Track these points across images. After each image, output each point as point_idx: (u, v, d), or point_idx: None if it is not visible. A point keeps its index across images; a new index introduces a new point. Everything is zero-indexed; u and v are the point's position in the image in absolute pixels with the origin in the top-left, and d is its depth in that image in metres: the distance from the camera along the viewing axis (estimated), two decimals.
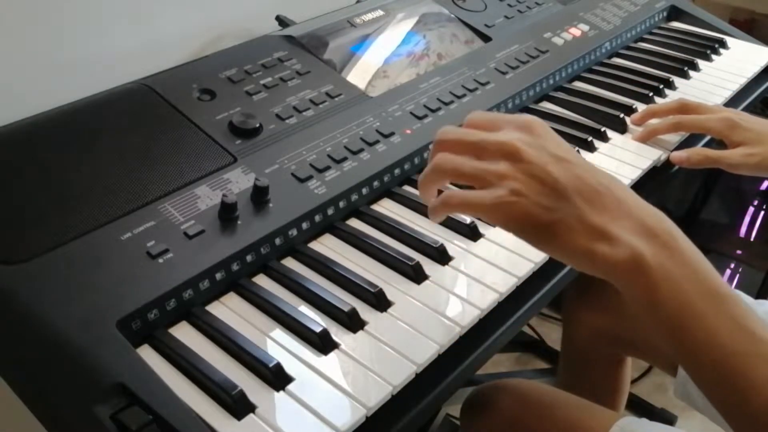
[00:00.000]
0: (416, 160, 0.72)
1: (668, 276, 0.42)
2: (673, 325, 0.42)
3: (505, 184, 0.45)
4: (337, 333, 0.53)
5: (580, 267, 0.45)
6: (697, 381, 0.44)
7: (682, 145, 0.84)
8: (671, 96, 0.91)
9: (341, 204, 0.65)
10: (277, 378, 0.49)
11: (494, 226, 0.48)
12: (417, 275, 0.59)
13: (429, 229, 0.65)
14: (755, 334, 0.42)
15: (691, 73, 0.99)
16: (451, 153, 0.48)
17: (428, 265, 0.60)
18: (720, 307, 0.42)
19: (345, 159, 0.67)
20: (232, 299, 0.57)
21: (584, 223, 0.43)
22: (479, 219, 0.49)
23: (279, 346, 0.52)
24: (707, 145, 0.86)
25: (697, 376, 0.44)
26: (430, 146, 0.51)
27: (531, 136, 0.47)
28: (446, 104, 0.78)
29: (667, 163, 0.81)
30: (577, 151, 0.77)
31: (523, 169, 0.45)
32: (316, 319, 0.54)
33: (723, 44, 1.08)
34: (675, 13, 1.16)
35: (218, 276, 0.56)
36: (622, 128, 0.84)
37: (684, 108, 0.82)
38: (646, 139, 0.82)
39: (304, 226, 0.62)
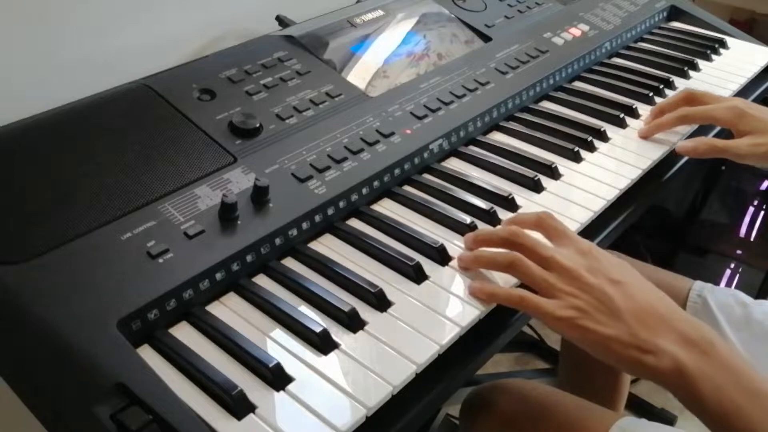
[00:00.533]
0: (416, 160, 0.72)
1: (708, 379, 0.49)
2: (718, 422, 0.49)
3: (569, 300, 0.54)
4: (337, 333, 0.53)
5: (631, 373, 0.54)
6: None
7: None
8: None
9: (341, 204, 0.65)
10: (277, 378, 0.49)
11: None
12: (417, 275, 0.59)
13: (429, 229, 0.65)
14: None
15: (691, 73, 0.99)
16: (515, 250, 0.57)
17: (428, 265, 0.60)
18: (759, 403, 0.49)
19: (345, 159, 0.67)
20: (232, 299, 0.57)
21: (635, 337, 0.52)
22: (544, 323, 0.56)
23: (279, 346, 0.52)
24: (718, 135, 0.86)
25: None
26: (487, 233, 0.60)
27: (591, 260, 0.56)
28: (446, 104, 0.78)
29: (667, 162, 0.81)
30: (578, 150, 0.77)
31: (584, 290, 0.54)
32: (316, 319, 0.54)
33: (723, 44, 1.08)
34: (675, 13, 1.16)
35: (218, 276, 0.56)
36: (622, 128, 0.84)
37: (690, 98, 0.82)
38: (653, 134, 0.83)
39: (304, 226, 0.62)
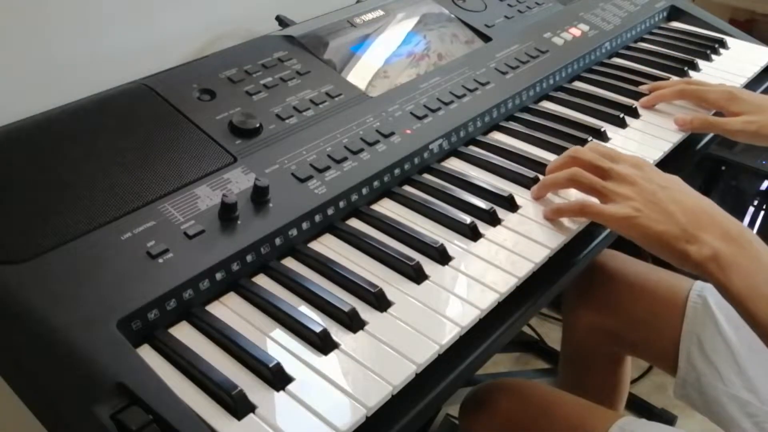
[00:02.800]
0: (416, 160, 0.72)
1: (740, 268, 0.57)
2: (744, 304, 0.57)
3: (627, 202, 0.62)
4: (337, 333, 0.53)
5: (677, 263, 0.61)
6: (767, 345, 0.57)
7: (682, 144, 0.84)
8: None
9: (341, 204, 0.65)
10: (277, 378, 0.49)
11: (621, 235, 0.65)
12: (417, 275, 0.59)
13: (429, 229, 0.65)
14: None
15: (691, 73, 0.99)
16: (579, 167, 0.66)
17: (428, 265, 0.60)
18: None
19: (345, 159, 0.67)
20: (232, 299, 0.57)
21: (684, 231, 0.60)
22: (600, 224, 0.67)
23: (279, 346, 0.52)
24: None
25: (766, 342, 0.57)
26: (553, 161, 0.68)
27: (642, 170, 0.65)
28: (446, 104, 0.78)
29: (668, 162, 0.81)
30: None
31: (639, 194, 0.62)
32: (316, 319, 0.54)
33: (723, 44, 1.08)
34: (675, 13, 1.16)
35: (218, 276, 0.56)
36: (622, 128, 0.84)
37: (688, 83, 0.89)
38: (653, 103, 0.89)
39: (304, 226, 0.62)
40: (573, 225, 0.67)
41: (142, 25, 0.83)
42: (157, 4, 0.84)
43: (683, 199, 0.62)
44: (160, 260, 0.54)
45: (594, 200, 0.65)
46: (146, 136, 0.64)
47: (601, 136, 0.82)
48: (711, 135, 0.89)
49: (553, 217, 0.66)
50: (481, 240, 0.64)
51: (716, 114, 0.86)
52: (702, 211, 0.61)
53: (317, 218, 0.63)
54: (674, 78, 0.96)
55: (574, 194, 0.70)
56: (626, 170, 0.64)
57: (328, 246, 0.63)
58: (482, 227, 0.65)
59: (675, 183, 0.64)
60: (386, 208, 0.68)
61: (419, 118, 0.75)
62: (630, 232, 0.62)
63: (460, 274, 0.60)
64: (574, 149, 0.68)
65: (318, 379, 0.50)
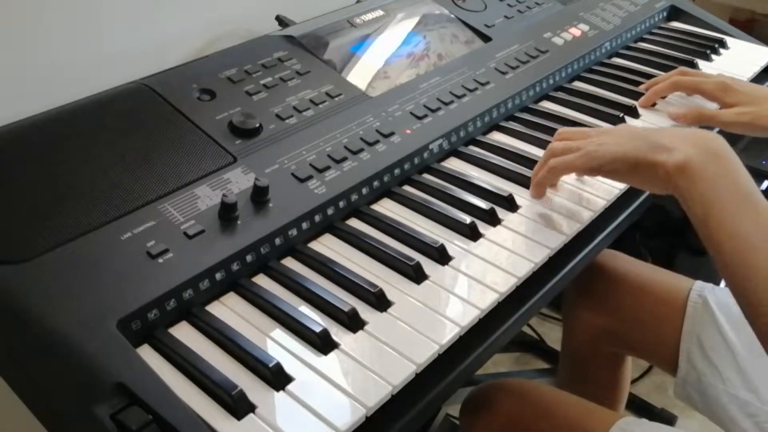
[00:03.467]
0: (416, 160, 0.72)
1: (707, 177, 0.55)
2: (705, 215, 0.55)
3: (591, 142, 0.64)
4: (337, 333, 0.53)
5: (646, 177, 0.60)
6: (719, 267, 0.55)
7: None
8: (671, 96, 0.91)
9: (341, 204, 0.65)
10: (277, 378, 0.49)
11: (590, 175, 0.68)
12: (417, 275, 0.59)
13: (429, 229, 0.65)
14: None
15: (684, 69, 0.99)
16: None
17: (428, 265, 0.60)
18: (746, 206, 0.54)
19: (345, 159, 0.67)
20: (232, 299, 0.57)
21: (650, 142, 0.59)
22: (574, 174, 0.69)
23: (279, 346, 0.52)
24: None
25: (720, 262, 0.55)
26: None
27: (605, 129, 0.67)
28: (446, 104, 0.78)
29: None
30: None
31: (603, 133, 0.65)
32: (316, 319, 0.54)
33: (723, 44, 1.08)
34: (675, 13, 1.16)
35: (218, 276, 0.56)
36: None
37: (683, 72, 0.89)
38: (650, 102, 0.89)
39: (304, 226, 0.62)
40: (573, 225, 0.67)
41: (142, 25, 0.83)
42: (157, 4, 0.84)
43: (656, 129, 0.63)
44: (160, 260, 0.54)
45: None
46: (146, 136, 0.64)
47: None
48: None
49: (536, 192, 0.68)
50: (481, 240, 0.64)
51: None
52: (670, 130, 0.62)
53: (317, 218, 0.63)
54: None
55: (568, 188, 0.70)
56: (589, 129, 0.67)
57: (328, 246, 0.63)
58: (482, 227, 0.65)
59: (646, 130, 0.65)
60: (386, 208, 0.68)
61: (419, 118, 0.75)
62: (596, 163, 0.62)
63: (460, 274, 0.60)
64: (548, 147, 0.69)
65: (318, 379, 0.50)
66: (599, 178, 0.74)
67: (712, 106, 0.85)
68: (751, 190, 0.55)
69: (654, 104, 0.90)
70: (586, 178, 0.74)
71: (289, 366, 0.50)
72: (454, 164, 0.76)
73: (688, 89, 0.88)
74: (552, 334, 1.52)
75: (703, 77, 0.87)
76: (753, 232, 0.53)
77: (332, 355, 0.52)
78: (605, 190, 0.72)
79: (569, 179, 0.74)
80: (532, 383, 0.83)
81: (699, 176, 0.55)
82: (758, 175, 1.46)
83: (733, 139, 0.81)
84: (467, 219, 0.65)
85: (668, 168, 0.57)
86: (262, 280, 0.58)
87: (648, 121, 0.86)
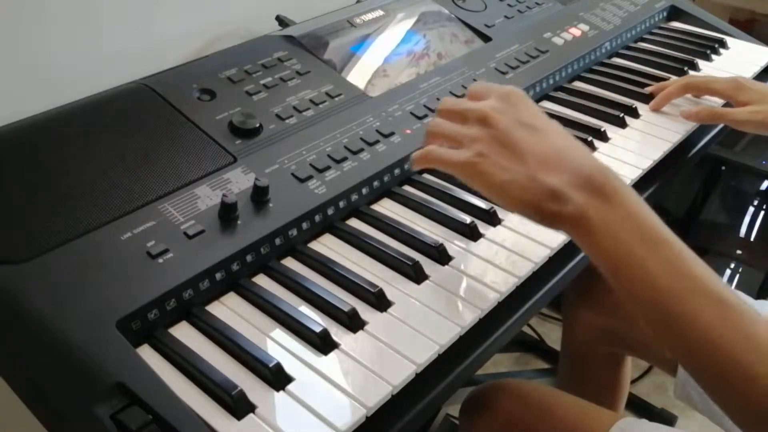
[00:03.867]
0: None
1: (608, 227, 0.48)
2: (613, 267, 0.48)
3: (473, 146, 0.52)
4: (337, 333, 0.53)
5: (530, 219, 0.51)
6: (642, 319, 0.49)
7: (683, 144, 0.84)
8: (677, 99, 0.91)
9: (341, 204, 0.65)
10: (277, 378, 0.49)
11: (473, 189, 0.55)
12: (417, 275, 0.59)
13: (429, 229, 0.65)
14: (688, 271, 0.47)
15: (691, 73, 0.99)
16: (444, 119, 0.56)
17: (428, 265, 0.60)
18: (656, 250, 0.47)
19: (345, 159, 0.67)
20: (232, 299, 0.57)
21: (535, 182, 0.49)
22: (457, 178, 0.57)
23: (279, 346, 0.52)
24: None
25: (641, 314, 0.49)
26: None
27: (505, 104, 0.53)
28: None
29: (668, 162, 0.81)
30: None
31: (490, 134, 0.52)
32: (316, 319, 0.54)
33: (723, 44, 1.08)
34: (675, 13, 1.16)
35: (218, 276, 0.56)
36: (622, 128, 0.84)
37: (692, 76, 0.90)
38: (662, 105, 0.88)
39: (304, 226, 0.62)
40: None
41: (142, 25, 0.83)
42: (157, 4, 0.83)
43: (544, 140, 0.51)
44: (160, 260, 0.54)
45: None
46: (146, 136, 0.64)
47: (601, 136, 0.82)
48: (711, 135, 0.89)
49: (417, 164, 0.58)
50: (481, 240, 0.64)
51: (725, 105, 0.87)
52: (562, 156, 0.50)
53: (317, 218, 0.63)
54: (674, 78, 0.96)
55: None
56: (485, 107, 0.53)
57: (328, 246, 0.63)
58: (482, 227, 0.65)
59: (542, 121, 0.53)
60: (386, 208, 0.68)
61: (419, 118, 0.75)
62: (474, 182, 0.52)
63: (460, 274, 0.60)
64: (442, 100, 0.59)
65: (318, 379, 0.50)
66: None
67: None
68: (653, 229, 0.49)
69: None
70: None
71: (289, 366, 0.50)
72: None
73: (699, 90, 0.88)
74: (552, 334, 1.52)
75: (714, 77, 0.87)
76: (662, 275, 0.47)
77: (332, 355, 0.52)
78: None
79: None
80: (531, 384, 0.83)
81: (597, 228, 0.48)
82: (758, 175, 1.46)
83: (736, 137, 0.81)
84: (467, 219, 0.65)
85: (562, 219, 0.49)
86: (262, 280, 0.58)
87: (649, 121, 0.86)
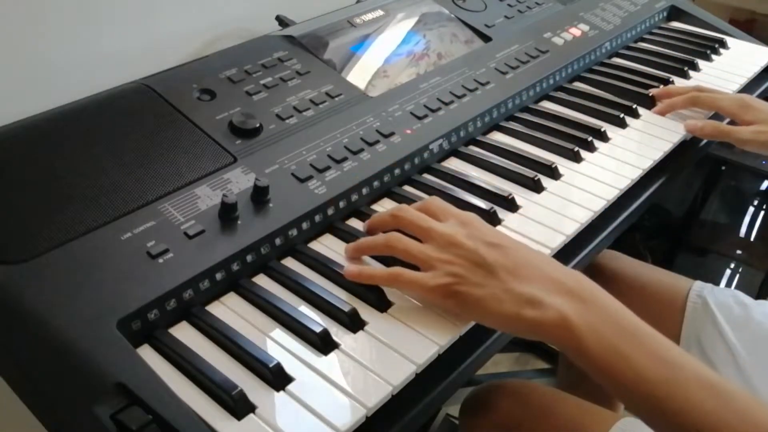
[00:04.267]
0: (416, 160, 0.72)
1: (591, 328, 0.48)
2: (603, 368, 0.48)
3: (445, 268, 0.53)
4: (337, 333, 0.53)
5: (515, 332, 0.52)
6: (635, 413, 0.49)
7: (683, 144, 0.84)
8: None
9: (341, 204, 0.65)
10: (277, 378, 0.49)
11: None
12: None
13: None
14: (674, 362, 0.48)
15: (691, 73, 0.99)
16: (403, 229, 0.57)
17: None
18: (641, 345, 0.48)
19: (345, 159, 0.67)
20: (232, 299, 0.57)
21: (511, 293, 0.51)
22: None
23: (279, 346, 0.52)
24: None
25: (633, 408, 0.49)
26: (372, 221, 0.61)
27: (469, 228, 0.55)
28: (446, 104, 0.78)
29: (668, 162, 0.81)
30: (578, 150, 0.77)
31: (459, 255, 0.53)
32: (316, 319, 0.54)
33: (723, 44, 1.08)
34: (675, 13, 1.16)
35: (218, 276, 0.56)
36: (622, 128, 0.85)
37: (700, 88, 0.88)
38: (666, 112, 0.88)
39: (304, 226, 0.62)
40: (573, 225, 0.67)
41: (141, 25, 0.83)
42: (157, 4, 0.83)
43: (510, 253, 0.53)
44: (160, 260, 0.54)
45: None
46: (146, 136, 0.64)
47: (601, 136, 0.82)
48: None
49: (366, 281, 0.56)
50: None
51: (730, 122, 0.86)
52: (530, 265, 0.52)
53: (317, 218, 0.63)
54: (675, 78, 0.96)
55: (567, 189, 0.69)
56: (449, 229, 0.55)
57: (328, 246, 0.63)
58: None
59: (504, 240, 0.55)
60: (386, 208, 0.68)
61: (419, 118, 0.75)
62: (449, 304, 0.53)
63: None
64: (398, 206, 0.59)
65: (318, 379, 0.50)
66: (599, 178, 0.74)
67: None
68: (634, 325, 0.50)
69: (655, 103, 0.90)
70: (583, 180, 0.74)
71: (289, 366, 0.50)
72: (454, 164, 0.76)
73: (705, 106, 0.87)
74: None
75: (721, 94, 0.87)
76: (652, 368, 0.47)
77: (332, 355, 0.52)
78: (605, 190, 0.72)
79: (570, 179, 0.74)
80: (531, 384, 0.83)
81: (581, 331, 0.48)
82: (758, 175, 1.46)
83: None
84: None
85: (539, 324, 0.49)
86: (262, 280, 0.58)
87: (649, 121, 0.87)
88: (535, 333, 0.50)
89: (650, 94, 0.90)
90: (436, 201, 0.60)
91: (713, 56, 1.05)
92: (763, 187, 1.48)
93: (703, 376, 0.47)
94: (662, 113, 0.88)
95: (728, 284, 1.54)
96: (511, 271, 0.52)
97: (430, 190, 0.70)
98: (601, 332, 0.48)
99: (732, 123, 0.86)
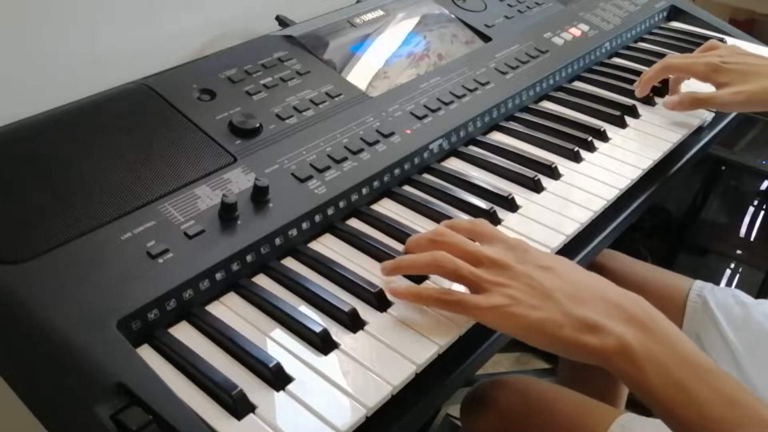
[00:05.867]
0: (416, 160, 0.72)
1: (652, 357, 0.47)
2: (664, 401, 0.46)
3: (499, 290, 0.51)
4: (337, 333, 0.53)
5: (573, 357, 0.50)
6: None
7: (683, 144, 0.84)
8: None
9: (341, 204, 0.65)
10: (277, 378, 0.49)
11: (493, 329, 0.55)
12: (417, 275, 0.59)
13: (429, 229, 0.65)
14: (737, 399, 0.46)
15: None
16: (449, 253, 0.54)
17: None
18: (704, 380, 0.46)
19: (345, 159, 0.67)
20: (232, 299, 0.57)
21: (569, 316, 0.49)
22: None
23: (279, 346, 0.52)
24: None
25: None
26: (412, 239, 0.58)
27: (519, 251, 0.55)
28: (446, 104, 0.78)
29: (668, 161, 0.81)
30: (578, 150, 0.77)
31: (513, 278, 0.52)
32: (316, 319, 0.54)
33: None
34: (675, 13, 1.16)
35: (218, 276, 0.56)
36: (622, 128, 0.85)
37: (670, 57, 0.89)
38: (645, 91, 0.88)
39: (304, 226, 0.62)
40: (573, 225, 0.67)
41: (142, 25, 0.83)
42: (156, 4, 0.83)
43: (565, 278, 0.52)
44: (160, 260, 0.54)
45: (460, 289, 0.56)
46: (146, 136, 0.64)
47: (601, 136, 0.82)
48: (711, 135, 0.89)
49: (413, 300, 0.55)
50: None
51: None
52: (589, 288, 0.51)
53: (317, 218, 0.63)
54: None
55: (567, 189, 0.69)
56: (497, 253, 0.54)
57: (328, 246, 0.63)
58: None
59: (555, 262, 0.54)
60: (386, 208, 0.68)
61: (419, 118, 0.75)
62: (505, 325, 0.51)
63: None
64: (442, 226, 0.58)
65: (318, 379, 0.50)
66: (599, 178, 0.74)
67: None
68: (695, 352, 0.48)
69: (654, 102, 0.90)
70: (583, 180, 0.74)
71: (289, 366, 0.50)
72: (454, 164, 0.76)
73: (679, 71, 0.87)
74: None
75: (692, 58, 0.87)
76: (714, 406, 0.45)
77: (332, 355, 0.52)
78: (605, 190, 0.72)
79: (570, 179, 0.74)
80: (531, 380, 0.83)
81: (642, 360, 0.47)
82: (758, 175, 1.46)
83: (736, 137, 0.81)
84: (467, 219, 0.65)
85: (599, 351, 0.48)
86: (262, 280, 0.58)
87: (648, 121, 0.86)
88: (593, 359, 0.49)
89: (636, 94, 0.89)
90: (485, 225, 0.58)
91: None
92: (763, 187, 1.48)
93: (764, 417, 0.45)
94: (642, 93, 0.88)
95: (728, 284, 1.54)
96: (569, 294, 0.50)
97: (430, 189, 0.70)
98: (664, 363, 0.47)
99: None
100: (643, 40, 1.09)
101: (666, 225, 1.60)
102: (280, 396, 0.48)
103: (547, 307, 0.50)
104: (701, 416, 0.45)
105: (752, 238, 1.51)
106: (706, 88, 0.85)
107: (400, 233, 0.64)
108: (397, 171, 0.70)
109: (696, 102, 0.83)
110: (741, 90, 0.80)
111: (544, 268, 0.53)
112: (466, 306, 0.52)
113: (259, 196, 0.60)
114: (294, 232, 0.61)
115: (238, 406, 0.47)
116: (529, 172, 0.73)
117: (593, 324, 0.48)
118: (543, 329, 0.49)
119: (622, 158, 0.78)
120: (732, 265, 1.54)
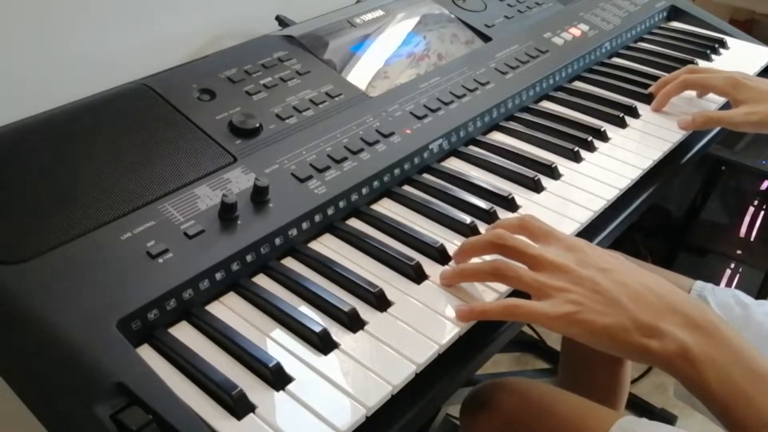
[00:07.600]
0: (416, 160, 0.72)
1: (714, 364, 0.48)
2: (723, 406, 0.47)
3: (563, 296, 0.51)
4: (337, 333, 0.53)
5: (635, 360, 0.51)
6: None
7: (682, 144, 0.84)
8: (675, 99, 0.91)
9: (341, 204, 0.65)
10: (277, 378, 0.49)
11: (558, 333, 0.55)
12: (417, 275, 0.59)
13: (429, 229, 0.65)
14: None
15: (691, 66, 0.99)
16: (508, 257, 0.55)
17: (428, 265, 0.60)
18: (764, 387, 0.47)
19: (345, 159, 0.67)
20: (232, 299, 0.57)
21: (636, 322, 0.50)
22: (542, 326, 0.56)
23: (279, 346, 0.52)
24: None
25: None
26: (466, 242, 0.59)
27: (579, 254, 0.54)
28: (446, 104, 0.78)
29: (668, 161, 0.81)
30: (578, 149, 0.77)
31: (576, 283, 0.52)
32: (316, 319, 0.54)
33: (723, 44, 1.08)
34: (675, 13, 1.16)
35: (218, 276, 0.56)
36: (622, 128, 0.85)
37: (691, 69, 0.88)
38: (662, 105, 0.87)
39: (304, 226, 0.62)
40: (573, 225, 0.67)
41: (142, 25, 0.83)
42: (157, 4, 0.83)
43: (628, 281, 0.52)
44: (160, 260, 0.54)
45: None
46: (146, 136, 0.64)
47: (601, 136, 0.82)
48: (711, 135, 0.89)
49: (480, 318, 0.55)
50: None
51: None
52: (653, 294, 0.51)
53: (317, 218, 0.63)
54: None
55: (567, 189, 0.69)
56: (558, 256, 0.54)
57: (328, 246, 0.63)
58: (482, 227, 0.65)
59: (616, 263, 0.54)
60: (386, 208, 0.68)
61: (419, 118, 0.75)
62: (573, 331, 0.51)
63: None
64: (499, 230, 0.57)
65: (318, 379, 0.50)
66: (599, 178, 0.74)
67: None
68: (755, 357, 0.48)
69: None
70: (583, 179, 0.74)
71: (289, 366, 0.50)
72: (454, 164, 0.76)
73: (697, 87, 0.87)
74: (552, 334, 1.52)
75: (712, 72, 0.87)
76: None
77: (332, 355, 0.52)
78: (605, 190, 0.72)
79: (570, 179, 0.74)
80: (532, 382, 0.83)
81: (703, 364, 0.48)
82: (758, 175, 1.46)
83: (736, 137, 0.81)
84: (467, 219, 0.65)
85: (664, 358, 0.49)
86: (262, 280, 0.58)
87: (648, 121, 0.86)
88: (655, 363, 0.50)
89: (648, 92, 0.90)
90: (535, 221, 0.58)
91: (713, 56, 1.05)
92: (763, 187, 1.48)
93: None
94: (659, 107, 0.88)
95: (728, 284, 1.54)
96: (632, 298, 0.51)
97: (430, 189, 0.70)
98: (725, 369, 0.47)
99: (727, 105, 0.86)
100: (643, 40, 1.09)
101: (666, 225, 1.60)
102: (280, 396, 0.48)
103: (613, 313, 0.50)
104: (760, 420, 0.46)
105: (752, 238, 1.51)
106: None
107: (400, 233, 0.64)
108: (397, 171, 0.70)
109: (708, 121, 0.83)
110: (756, 110, 0.80)
111: (605, 270, 0.53)
112: (535, 317, 0.52)
113: (259, 196, 0.60)
114: (294, 232, 0.61)
115: (238, 406, 0.47)
116: (529, 172, 0.73)
117: (656, 328, 0.49)
118: (611, 335, 0.50)
119: (622, 158, 0.78)
120: (732, 265, 1.54)
